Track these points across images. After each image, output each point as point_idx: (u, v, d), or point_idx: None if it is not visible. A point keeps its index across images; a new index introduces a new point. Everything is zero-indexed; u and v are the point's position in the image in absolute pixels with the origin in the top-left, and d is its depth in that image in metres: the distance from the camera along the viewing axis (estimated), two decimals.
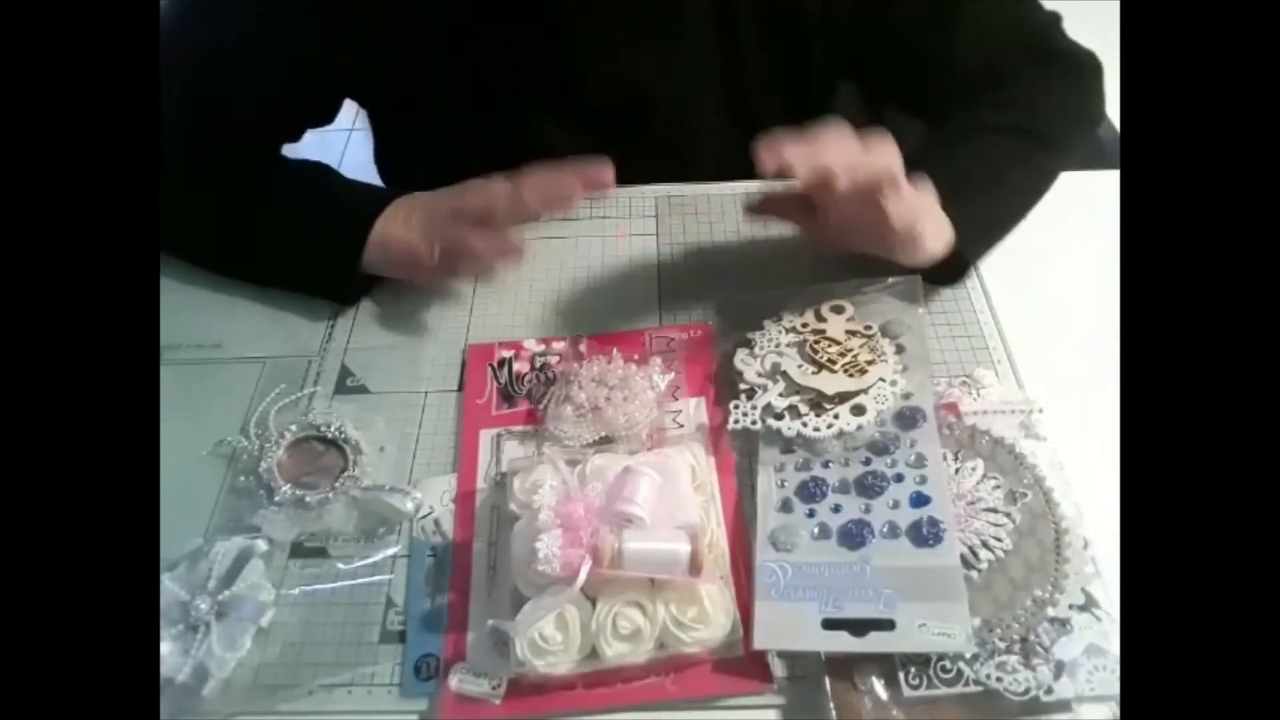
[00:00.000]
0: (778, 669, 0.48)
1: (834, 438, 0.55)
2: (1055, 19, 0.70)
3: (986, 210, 0.63)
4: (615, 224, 0.74)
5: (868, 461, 0.54)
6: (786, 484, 0.54)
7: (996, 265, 0.68)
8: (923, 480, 0.52)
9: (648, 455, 0.54)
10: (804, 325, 0.62)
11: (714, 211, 0.74)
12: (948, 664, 0.46)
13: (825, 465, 0.55)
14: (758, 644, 0.47)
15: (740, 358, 0.61)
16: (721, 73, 0.68)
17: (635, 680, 0.48)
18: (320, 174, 0.72)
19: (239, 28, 0.66)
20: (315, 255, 0.67)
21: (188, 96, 0.63)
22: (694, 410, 0.60)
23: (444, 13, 0.66)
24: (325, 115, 0.76)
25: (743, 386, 0.59)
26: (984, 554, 0.49)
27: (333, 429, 0.59)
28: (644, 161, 0.69)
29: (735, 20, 0.67)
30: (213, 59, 0.66)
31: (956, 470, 0.53)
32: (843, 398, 0.57)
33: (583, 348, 0.64)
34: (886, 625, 0.46)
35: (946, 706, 0.45)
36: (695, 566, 0.47)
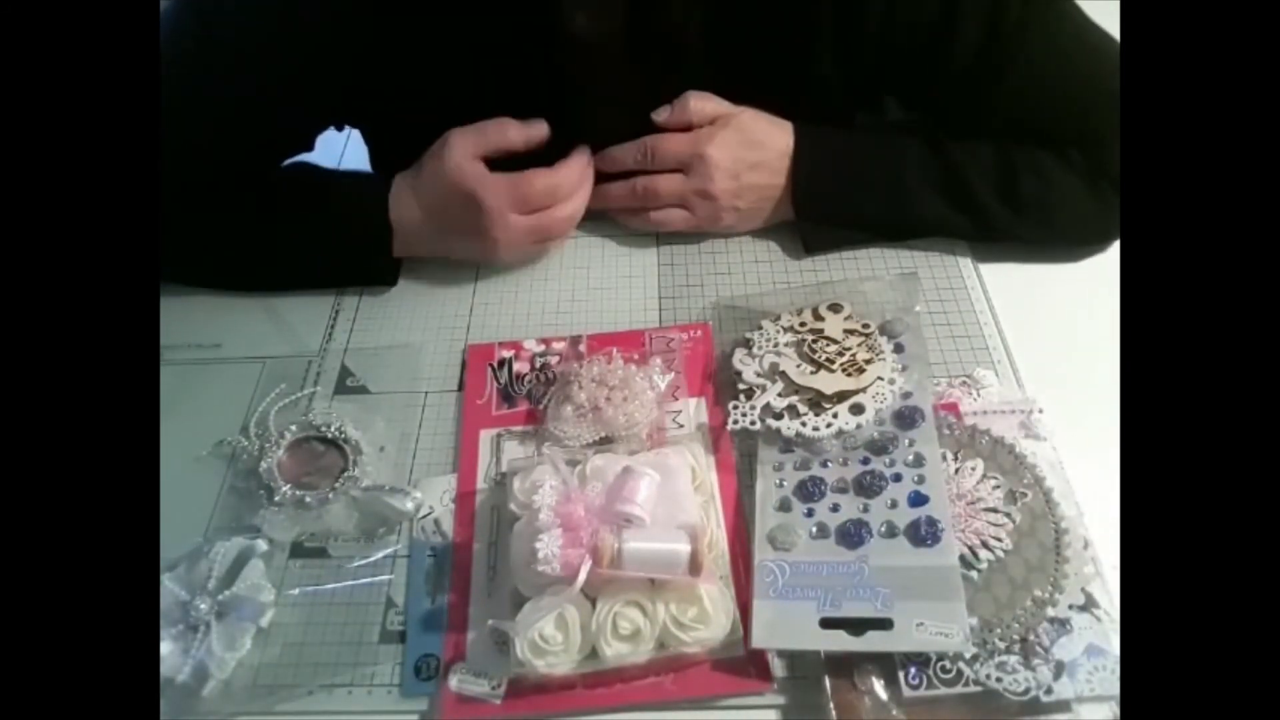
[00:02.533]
0: (778, 669, 0.48)
1: (833, 437, 0.55)
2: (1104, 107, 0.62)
3: (839, 210, 0.69)
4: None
5: (866, 461, 0.54)
6: (785, 483, 0.54)
7: (996, 265, 0.69)
8: (921, 480, 0.52)
9: (648, 455, 0.54)
10: (802, 324, 0.62)
11: None
12: (948, 664, 0.46)
13: (824, 465, 0.55)
14: (756, 643, 0.47)
15: (738, 358, 0.61)
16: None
17: (635, 680, 0.48)
18: (311, 171, 0.72)
19: (229, 56, 0.65)
20: (348, 247, 0.69)
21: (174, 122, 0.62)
22: (694, 410, 0.60)
23: (440, 57, 0.66)
24: (308, 143, 0.76)
25: (741, 386, 0.59)
26: (984, 554, 0.49)
27: (333, 429, 0.59)
28: None
29: (740, 74, 0.67)
30: (201, 81, 0.65)
31: (956, 470, 0.53)
32: (841, 397, 0.57)
33: (583, 348, 0.64)
34: (884, 624, 0.46)
35: (946, 706, 0.45)
36: (695, 566, 0.47)
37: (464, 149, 0.65)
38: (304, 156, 0.75)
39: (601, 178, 0.70)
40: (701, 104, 0.67)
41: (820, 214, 0.69)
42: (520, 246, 0.68)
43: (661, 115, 0.67)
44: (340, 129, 0.78)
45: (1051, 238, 0.68)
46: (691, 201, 0.69)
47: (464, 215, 0.65)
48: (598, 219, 0.75)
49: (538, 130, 0.66)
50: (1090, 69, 0.64)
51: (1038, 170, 0.65)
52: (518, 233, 0.67)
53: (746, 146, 0.66)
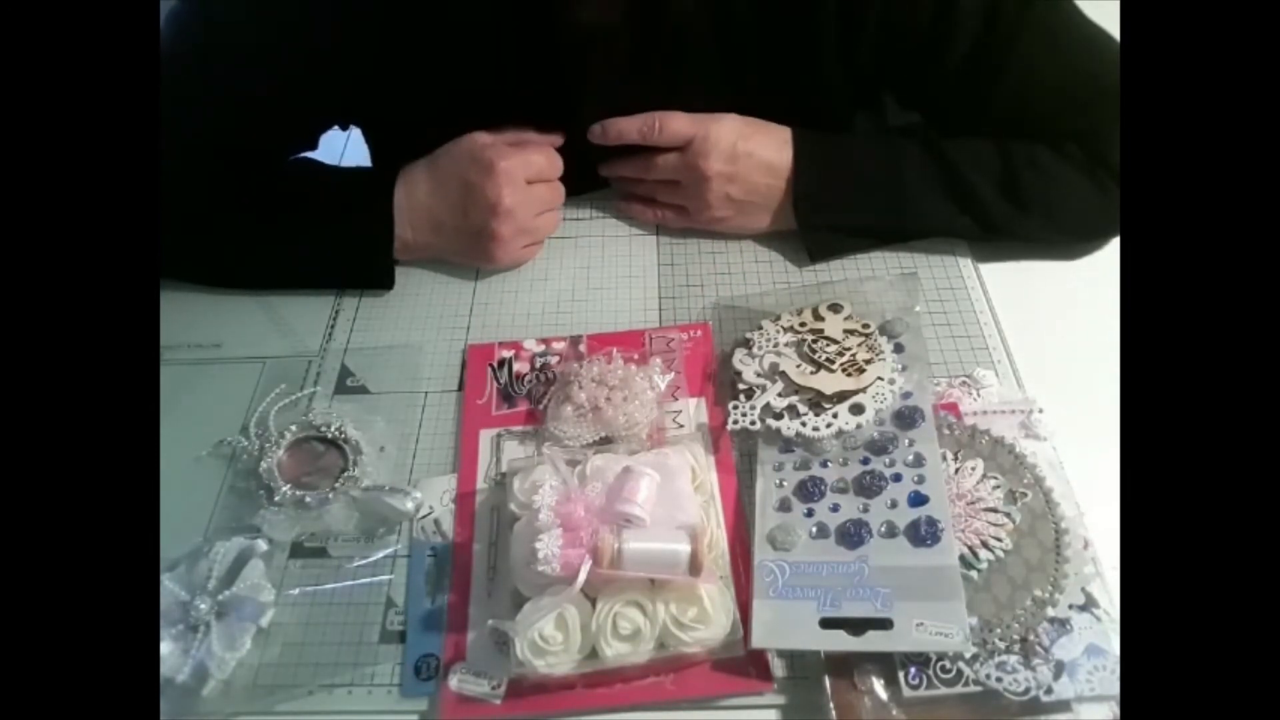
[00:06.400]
0: (778, 669, 0.48)
1: (833, 437, 0.55)
2: (1102, 110, 0.64)
3: (841, 216, 0.69)
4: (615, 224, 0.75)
5: (866, 461, 0.54)
6: (785, 483, 0.54)
7: (996, 265, 0.69)
8: (921, 480, 0.52)
9: (648, 455, 0.54)
10: (802, 324, 0.62)
11: None
12: (948, 664, 0.46)
13: (824, 465, 0.55)
14: (755, 643, 0.47)
15: (738, 358, 0.61)
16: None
17: (635, 680, 0.48)
18: (312, 170, 0.72)
19: (234, 52, 0.66)
20: (348, 249, 0.69)
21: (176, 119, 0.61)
22: (694, 410, 0.60)
23: (443, 50, 0.66)
24: (311, 142, 0.76)
25: (741, 386, 0.59)
26: (984, 554, 0.49)
27: (333, 429, 0.59)
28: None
29: (743, 68, 0.68)
30: (203, 78, 0.65)
31: (956, 470, 0.53)
32: (841, 397, 0.57)
33: (583, 348, 0.64)
34: (884, 624, 0.46)
35: (946, 706, 0.45)
36: (695, 566, 0.47)
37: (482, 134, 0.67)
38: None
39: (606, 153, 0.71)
40: (675, 124, 0.67)
41: (823, 223, 0.69)
42: (524, 218, 0.68)
43: (634, 126, 0.67)
44: (345, 128, 0.78)
45: (1055, 232, 0.68)
46: (684, 176, 0.68)
47: (473, 183, 0.66)
48: (598, 220, 0.75)
49: (555, 138, 0.69)
50: (1086, 62, 0.64)
51: (1037, 165, 0.65)
52: (523, 199, 0.67)
53: (750, 137, 0.67)
